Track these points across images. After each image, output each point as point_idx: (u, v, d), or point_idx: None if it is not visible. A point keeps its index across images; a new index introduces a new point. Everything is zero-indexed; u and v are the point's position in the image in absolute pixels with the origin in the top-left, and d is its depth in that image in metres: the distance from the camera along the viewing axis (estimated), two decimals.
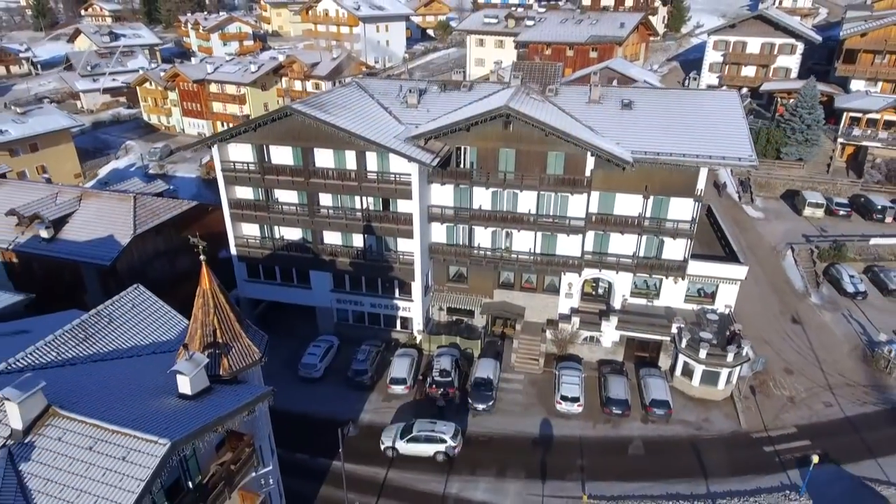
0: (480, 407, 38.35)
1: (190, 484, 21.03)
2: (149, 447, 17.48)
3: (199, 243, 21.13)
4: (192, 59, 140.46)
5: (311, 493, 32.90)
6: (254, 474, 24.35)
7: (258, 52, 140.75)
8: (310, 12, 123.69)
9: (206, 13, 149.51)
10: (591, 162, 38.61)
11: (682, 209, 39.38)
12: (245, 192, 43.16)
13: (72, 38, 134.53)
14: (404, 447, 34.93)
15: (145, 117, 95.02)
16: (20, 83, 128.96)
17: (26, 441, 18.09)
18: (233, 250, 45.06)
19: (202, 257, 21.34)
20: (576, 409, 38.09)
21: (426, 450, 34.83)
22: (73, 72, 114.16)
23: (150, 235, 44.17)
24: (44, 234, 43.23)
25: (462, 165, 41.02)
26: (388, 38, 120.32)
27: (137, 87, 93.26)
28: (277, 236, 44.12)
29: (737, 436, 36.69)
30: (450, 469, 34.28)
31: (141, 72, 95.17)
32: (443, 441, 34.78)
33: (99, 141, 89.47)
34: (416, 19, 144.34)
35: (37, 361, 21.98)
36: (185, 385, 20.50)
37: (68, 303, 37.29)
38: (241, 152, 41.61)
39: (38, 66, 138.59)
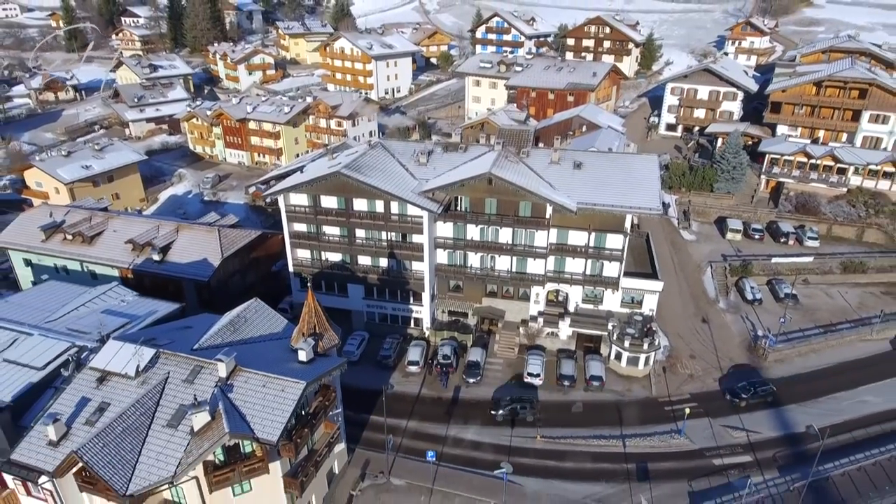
0: (471, 381, 54.66)
1: (303, 412, 37.41)
2: (294, 385, 33.82)
3: (308, 278, 37.32)
4: (220, 85, 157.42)
5: (357, 435, 49.04)
6: (332, 412, 40.68)
7: (280, 79, 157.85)
8: (327, 49, 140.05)
9: (232, 44, 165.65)
10: (549, 208, 54.88)
11: (615, 241, 55.58)
12: (301, 227, 59.28)
13: (114, 68, 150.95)
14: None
15: (191, 147, 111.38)
16: (68, 108, 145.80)
17: (227, 383, 34.41)
18: (290, 269, 60.96)
19: (309, 285, 37.56)
20: (538, 382, 54.35)
21: None
22: (115, 98, 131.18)
23: (231, 257, 60.51)
24: (155, 257, 59.52)
25: (459, 209, 57.26)
26: (398, 72, 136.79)
27: (186, 122, 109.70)
28: (324, 259, 60.33)
29: (648, 400, 53.04)
30: (449, 420, 50.64)
31: (187, 109, 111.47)
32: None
33: (153, 168, 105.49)
34: (421, 50, 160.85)
35: (213, 344, 38.21)
36: (303, 356, 36.85)
37: None
38: (299, 199, 57.81)
39: (83, 92, 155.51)
